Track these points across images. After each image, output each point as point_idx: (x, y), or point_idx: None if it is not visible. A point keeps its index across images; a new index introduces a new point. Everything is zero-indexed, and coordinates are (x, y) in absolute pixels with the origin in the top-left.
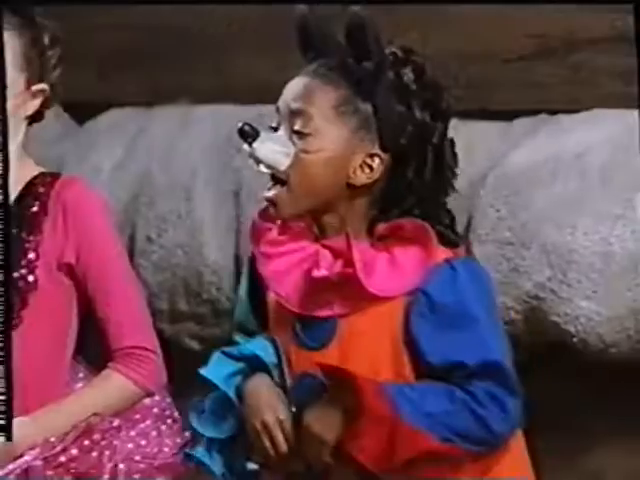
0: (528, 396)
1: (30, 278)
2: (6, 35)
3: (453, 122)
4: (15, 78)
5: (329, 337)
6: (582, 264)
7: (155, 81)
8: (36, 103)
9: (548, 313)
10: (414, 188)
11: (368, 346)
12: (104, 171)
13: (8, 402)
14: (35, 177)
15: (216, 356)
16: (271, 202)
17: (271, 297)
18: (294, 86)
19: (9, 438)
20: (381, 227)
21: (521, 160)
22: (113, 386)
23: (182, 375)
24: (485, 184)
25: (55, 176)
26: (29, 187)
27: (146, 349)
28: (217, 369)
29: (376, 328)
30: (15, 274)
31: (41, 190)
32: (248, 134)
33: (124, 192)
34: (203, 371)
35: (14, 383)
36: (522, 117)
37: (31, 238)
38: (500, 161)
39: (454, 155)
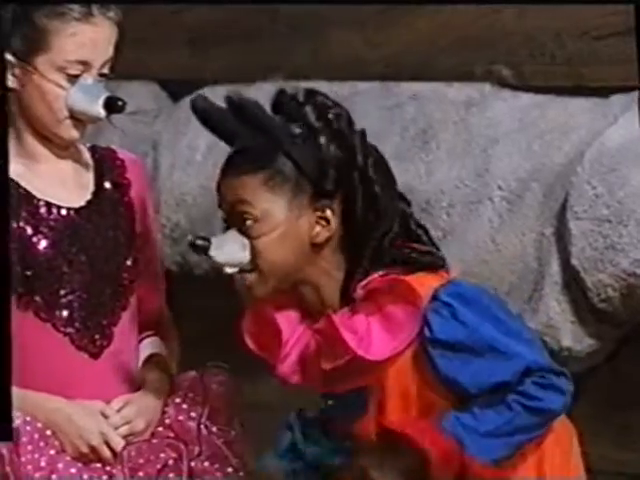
0: (624, 372)
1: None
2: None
3: (549, 98)
4: None
5: (362, 406)
6: None
7: (249, 58)
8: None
9: None
10: (368, 220)
11: (399, 399)
12: (199, 148)
13: (8, 402)
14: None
15: None
16: (247, 288)
17: None
18: (225, 184)
19: (9, 438)
20: (359, 292)
21: (618, 137)
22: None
23: None
24: (582, 161)
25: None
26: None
27: None
28: None
29: (400, 380)
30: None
31: (109, 167)
32: (201, 247)
33: (219, 169)
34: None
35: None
36: (618, 93)
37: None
38: (596, 138)
39: (386, 169)
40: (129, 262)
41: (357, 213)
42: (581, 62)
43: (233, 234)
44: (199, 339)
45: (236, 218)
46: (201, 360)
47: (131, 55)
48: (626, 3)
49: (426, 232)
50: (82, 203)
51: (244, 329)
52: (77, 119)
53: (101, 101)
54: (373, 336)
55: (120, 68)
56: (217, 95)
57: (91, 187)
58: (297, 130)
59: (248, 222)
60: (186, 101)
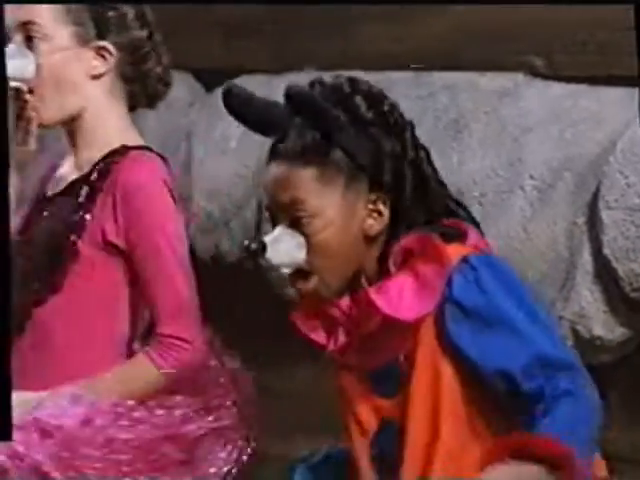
0: None
1: (75, 246)
2: None
3: (582, 88)
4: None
5: (398, 384)
6: None
7: (282, 48)
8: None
9: None
10: (414, 207)
11: (425, 370)
12: (233, 138)
13: (7, 402)
14: (117, 149)
15: None
16: (306, 293)
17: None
18: (274, 181)
19: (8, 438)
20: (393, 257)
21: None
22: (139, 370)
23: None
24: (614, 151)
25: (128, 150)
26: (107, 156)
27: (182, 339)
28: None
29: (425, 350)
30: (63, 238)
31: (107, 163)
32: (256, 250)
33: (252, 158)
34: None
35: (50, 350)
36: None
37: (85, 208)
38: (629, 127)
39: (429, 158)
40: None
41: (407, 204)
42: (613, 52)
43: (287, 232)
44: (230, 327)
45: (289, 215)
46: (235, 348)
47: (166, 46)
48: (626, 3)
49: (465, 209)
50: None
51: (296, 314)
52: None
53: None
54: (404, 296)
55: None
56: (249, 85)
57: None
58: (346, 121)
59: (303, 220)
60: (219, 91)
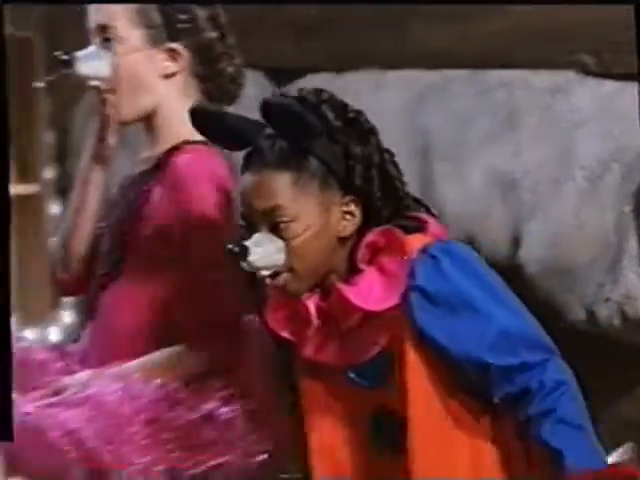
0: None
1: (134, 234)
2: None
3: (630, 85)
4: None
5: (383, 372)
6: None
7: (345, 48)
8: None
9: None
10: (382, 206)
11: (403, 359)
12: None
13: (8, 402)
14: (177, 144)
15: None
16: (282, 289)
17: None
18: (251, 190)
19: (9, 438)
20: (361, 253)
21: None
22: (183, 354)
23: None
24: None
25: (186, 144)
26: (169, 150)
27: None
28: None
29: (400, 340)
30: (126, 226)
31: (166, 156)
32: (239, 253)
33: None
34: None
35: (109, 333)
36: None
37: (145, 199)
38: None
39: (393, 160)
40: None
41: (376, 204)
42: None
43: (267, 237)
44: None
45: (268, 221)
46: None
47: (238, 46)
48: (626, 3)
49: (424, 205)
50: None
51: (268, 316)
52: None
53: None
54: (372, 289)
55: None
56: (316, 83)
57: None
58: (319, 129)
59: (282, 225)
60: (288, 88)
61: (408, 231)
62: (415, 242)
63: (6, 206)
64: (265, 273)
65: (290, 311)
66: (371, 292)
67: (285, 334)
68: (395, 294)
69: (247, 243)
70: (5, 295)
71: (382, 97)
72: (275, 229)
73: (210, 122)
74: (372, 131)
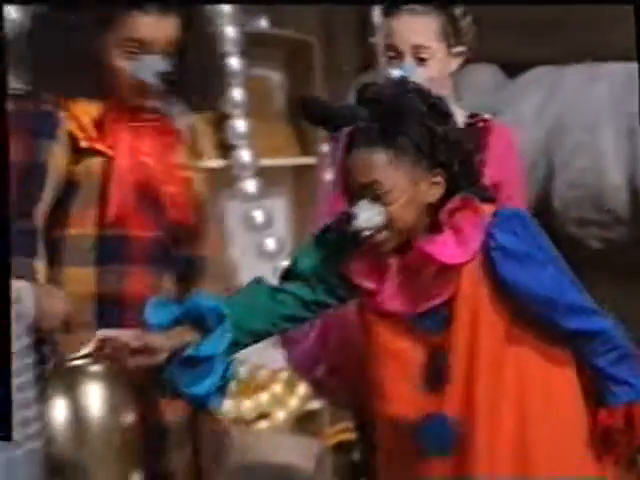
0: None
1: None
2: (427, 17)
3: None
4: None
5: (445, 321)
6: None
7: (570, 43)
8: (457, 61)
9: None
10: (460, 177)
11: (469, 313)
12: (526, 115)
13: (8, 402)
14: (471, 117)
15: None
16: (378, 244)
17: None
18: (357, 166)
19: (8, 438)
20: (442, 216)
21: None
22: None
23: (581, 267)
24: None
25: (487, 120)
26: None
27: None
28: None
29: (467, 293)
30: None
31: (480, 126)
32: (349, 217)
33: (542, 131)
34: None
35: None
36: None
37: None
38: None
39: (473, 141)
40: None
41: (456, 176)
42: None
43: (369, 203)
44: None
45: (369, 190)
46: None
47: (479, 43)
48: (626, 3)
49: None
50: None
51: (353, 269)
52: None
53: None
54: (448, 246)
55: (471, 54)
56: (539, 75)
57: None
58: (409, 114)
59: (381, 194)
60: (519, 79)
61: (482, 199)
62: (487, 208)
63: (6, 206)
64: (367, 233)
65: (372, 265)
66: (448, 248)
67: (366, 284)
68: (469, 252)
69: (354, 209)
70: (5, 295)
71: (597, 86)
72: (376, 198)
73: (318, 110)
74: (449, 114)
